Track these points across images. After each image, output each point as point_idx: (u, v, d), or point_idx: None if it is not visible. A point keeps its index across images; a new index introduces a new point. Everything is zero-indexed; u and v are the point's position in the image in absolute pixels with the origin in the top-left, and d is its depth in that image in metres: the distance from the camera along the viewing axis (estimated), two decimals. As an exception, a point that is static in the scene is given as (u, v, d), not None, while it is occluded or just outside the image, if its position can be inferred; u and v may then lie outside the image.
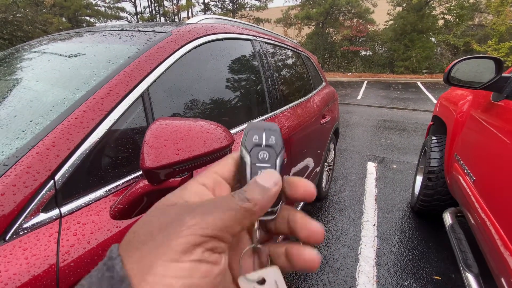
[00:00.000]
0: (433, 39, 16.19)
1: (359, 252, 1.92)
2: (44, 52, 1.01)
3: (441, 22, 16.11)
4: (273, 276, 0.23)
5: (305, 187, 0.24)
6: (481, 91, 1.61)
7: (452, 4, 15.26)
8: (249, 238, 0.25)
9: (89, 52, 0.89)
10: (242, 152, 0.25)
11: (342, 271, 1.76)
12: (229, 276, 0.23)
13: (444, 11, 15.71)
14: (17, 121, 0.64)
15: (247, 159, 0.25)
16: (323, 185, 2.52)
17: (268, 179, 0.22)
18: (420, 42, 15.60)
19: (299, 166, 1.69)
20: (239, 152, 0.26)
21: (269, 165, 0.25)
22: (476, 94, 1.75)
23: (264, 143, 0.26)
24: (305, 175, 1.86)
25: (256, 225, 0.24)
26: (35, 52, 1.04)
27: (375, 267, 1.79)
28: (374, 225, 2.23)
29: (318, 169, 2.19)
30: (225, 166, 0.24)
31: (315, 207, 2.49)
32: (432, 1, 15.68)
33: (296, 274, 1.73)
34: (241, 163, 0.25)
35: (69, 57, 0.90)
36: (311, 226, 0.24)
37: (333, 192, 2.76)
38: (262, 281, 0.23)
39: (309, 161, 1.88)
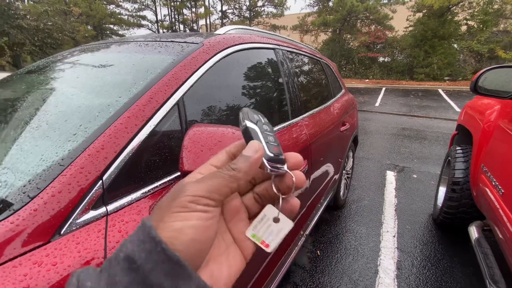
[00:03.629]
0: (455, 46, 15.71)
1: (378, 263, 1.88)
2: (86, 61, 1.09)
3: (464, 28, 15.62)
4: (286, 226, 0.30)
5: (296, 157, 0.32)
6: (509, 101, 1.56)
7: (476, 10, 14.79)
8: (245, 209, 0.32)
9: (128, 62, 0.95)
10: (248, 124, 0.31)
11: (361, 282, 1.73)
12: (227, 235, 0.31)
13: (467, 17, 15.25)
14: (68, 125, 0.70)
15: (257, 129, 0.31)
16: (341, 193, 2.49)
17: (250, 149, 0.29)
18: (442, 48, 15.19)
19: (318, 172, 1.69)
20: (242, 126, 0.31)
21: (272, 134, 0.33)
22: (504, 104, 1.69)
23: (263, 120, 0.33)
24: (325, 182, 1.85)
25: (277, 195, 0.30)
26: (77, 61, 1.12)
27: (395, 280, 1.74)
28: (394, 236, 2.17)
29: (337, 176, 2.18)
30: (218, 157, 0.31)
31: (333, 215, 2.46)
32: (454, 7, 15.26)
33: (313, 283, 1.72)
34: (248, 135, 0.31)
35: (109, 66, 0.97)
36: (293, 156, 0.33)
37: (351, 201, 2.72)
38: (277, 220, 0.30)
39: (329, 168, 1.88)
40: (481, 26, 14.78)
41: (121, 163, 0.62)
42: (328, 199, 2.05)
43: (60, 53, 1.35)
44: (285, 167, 0.30)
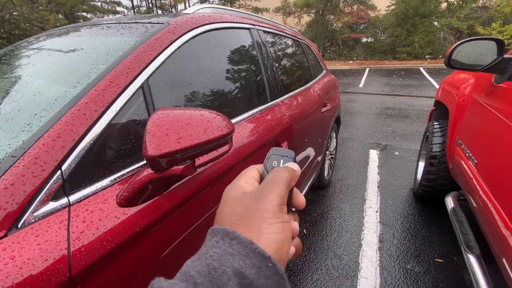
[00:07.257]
0: (436, 23, 15.86)
1: (362, 237, 1.95)
2: (43, 48, 1.02)
3: (444, 5, 15.73)
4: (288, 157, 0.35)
5: (299, 200, 0.33)
6: (483, 74, 1.60)
7: (455, -14, 14.88)
8: None
9: (88, 46, 0.90)
10: (263, 173, 0.34)
11: (346, 256, 1.79)
12: None
13: (447, -6, 15.34)
14: (22, 115, 0.65)
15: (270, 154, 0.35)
16: (325, 173, 2.53)
17: (294, 165, 0.32)
18: (423, 26, 15.29)
19: (301, 156, 1.70)
20: (262, 171, 0.34)
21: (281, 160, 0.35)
22: (478, 77, 1.73)
23: (284, 154, 0.35)
24: (306, 164, 1.87)
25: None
26: (34, 48, 1.04)
27: (378, 252, 1.82)
28: (376, 211, 2.25)
29: (319, 158, 2.20)
30: (254, 171, 0.34)
31: (318, 195, 2.51)
32: (434, -16, 15.27)
33: (300, 260, 1.76)
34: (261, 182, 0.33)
35: (68, 51, 0.91)
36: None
37: (335, 181, 2.78)
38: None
39: (310, 151, 1.89)
40: (461, 2, 14.92)
41: (82, 152, 0.59)
42: (311, 180, 2.08)
43: (18, 42, 1.26)
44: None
